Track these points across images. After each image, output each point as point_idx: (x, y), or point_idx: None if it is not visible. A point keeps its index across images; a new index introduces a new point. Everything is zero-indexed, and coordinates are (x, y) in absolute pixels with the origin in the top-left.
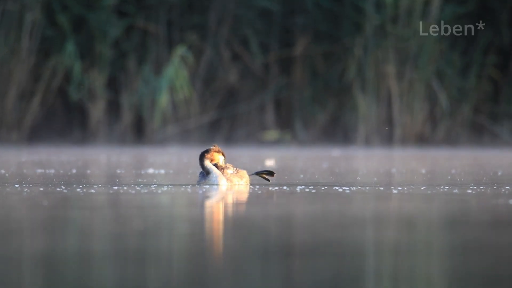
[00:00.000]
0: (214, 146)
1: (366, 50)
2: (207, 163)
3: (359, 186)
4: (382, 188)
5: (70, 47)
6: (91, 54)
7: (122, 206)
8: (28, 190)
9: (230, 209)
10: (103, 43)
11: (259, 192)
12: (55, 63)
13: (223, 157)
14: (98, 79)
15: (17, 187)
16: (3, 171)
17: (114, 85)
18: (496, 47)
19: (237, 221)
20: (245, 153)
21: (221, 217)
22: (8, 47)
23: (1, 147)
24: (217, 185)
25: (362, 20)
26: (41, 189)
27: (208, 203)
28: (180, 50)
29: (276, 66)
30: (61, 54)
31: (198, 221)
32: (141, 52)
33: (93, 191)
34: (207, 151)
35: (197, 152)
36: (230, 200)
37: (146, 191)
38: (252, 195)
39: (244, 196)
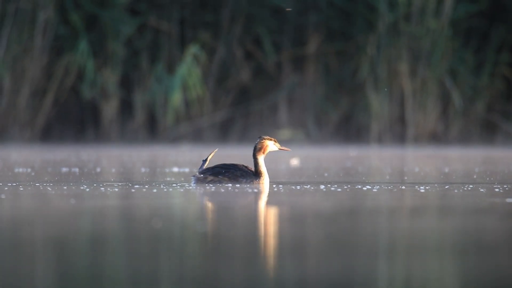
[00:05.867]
0: (261, 137)
1: (379, 48)
2: (261, 161)
3: (388, 185)
4: (415, 186)
5: (83, 45)
6: (104, 52)
7: (166, 205)
8: (63, 188)
9: (280, 208)
10: (116, 41)
11: (300, 191)
12: (68, 62)
13: (272, 141)
14: (110, 78)
15: (48, 185)
16: (29, 170)
17: (126, 84)
18: (509, 45)
19: (293, 216)
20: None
21: (272, 214)
22: (21, 45)
23: (14, 146)
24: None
25: (375, 18)
26: (74, 187)
27: (254, 202)
28: (193, 49)
29: (289, 65)
30: (73, 53)
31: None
32: (153, 50)
33: (119, 188)
34: (258, 144)
35: (211, 150)
36: (275, 199)
37: (182, 189)
38: (297, 194)
39: (289, 195)
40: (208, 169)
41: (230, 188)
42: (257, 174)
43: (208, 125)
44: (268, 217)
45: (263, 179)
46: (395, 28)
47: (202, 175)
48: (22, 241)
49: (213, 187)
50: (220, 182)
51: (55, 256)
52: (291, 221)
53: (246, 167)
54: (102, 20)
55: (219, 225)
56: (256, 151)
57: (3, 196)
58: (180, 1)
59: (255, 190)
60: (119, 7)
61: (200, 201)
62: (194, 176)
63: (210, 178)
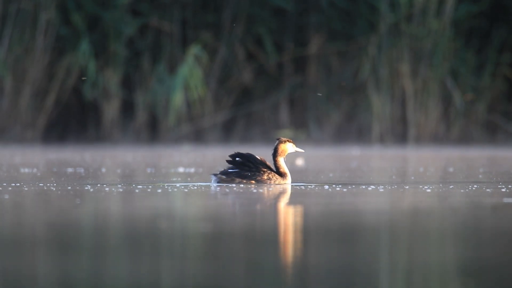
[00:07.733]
0: (280, 139)
1: (380, 49)
2: (282, 162)
3: (395, 185)
4: (420, 186)
5: (85, 46)
6: (106, 53)
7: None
8: (68, 189)
9: (302, 207)
10: (118, 42)
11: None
12: (69, 62)
13: (291, 144)
14: (112, 78)
15: (52, 185)
16: (34, 170)
17: (128, 84)
18: (511, 45)
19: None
20: (260, 152)
21: (291, 215)
22: (23, 46)
23: (16, 146)
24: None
25: (377, 19)
26: (80, 188)
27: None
28: (194, 49)
29: (290, 65)
30: (75, 53)
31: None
32: (155, 51)
33: (136, 190)
34: (277, 147)
35: (213, 150)
36: (298, 197)
37: (186, 190)
38: (319, 194)
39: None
40: (231, 169)
41: (238, 189)
42: (281, 175)
43: (210, 126)
44: (287, 216)
45: (287, 180)
46: (397, 28)
47: (225, 176)
48: (29, 240)
49: (227, 187)
50: (248, 183)
51: (58, 255)
52: (304, 222)
53: (269, 166)
54: (103, 21)
55: (245, 226)
56: (277, 153)
57: (6, 196)
58: (182, 2)
59: (261, 191)
60: (120, 8)
61: (221, 200)
62: (215, 175)
63: (238, 180)
